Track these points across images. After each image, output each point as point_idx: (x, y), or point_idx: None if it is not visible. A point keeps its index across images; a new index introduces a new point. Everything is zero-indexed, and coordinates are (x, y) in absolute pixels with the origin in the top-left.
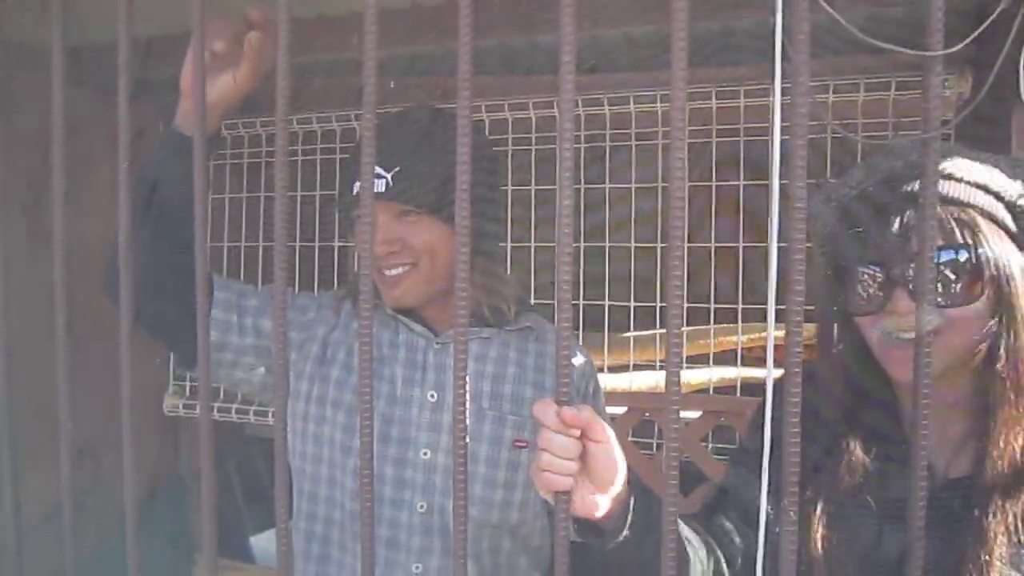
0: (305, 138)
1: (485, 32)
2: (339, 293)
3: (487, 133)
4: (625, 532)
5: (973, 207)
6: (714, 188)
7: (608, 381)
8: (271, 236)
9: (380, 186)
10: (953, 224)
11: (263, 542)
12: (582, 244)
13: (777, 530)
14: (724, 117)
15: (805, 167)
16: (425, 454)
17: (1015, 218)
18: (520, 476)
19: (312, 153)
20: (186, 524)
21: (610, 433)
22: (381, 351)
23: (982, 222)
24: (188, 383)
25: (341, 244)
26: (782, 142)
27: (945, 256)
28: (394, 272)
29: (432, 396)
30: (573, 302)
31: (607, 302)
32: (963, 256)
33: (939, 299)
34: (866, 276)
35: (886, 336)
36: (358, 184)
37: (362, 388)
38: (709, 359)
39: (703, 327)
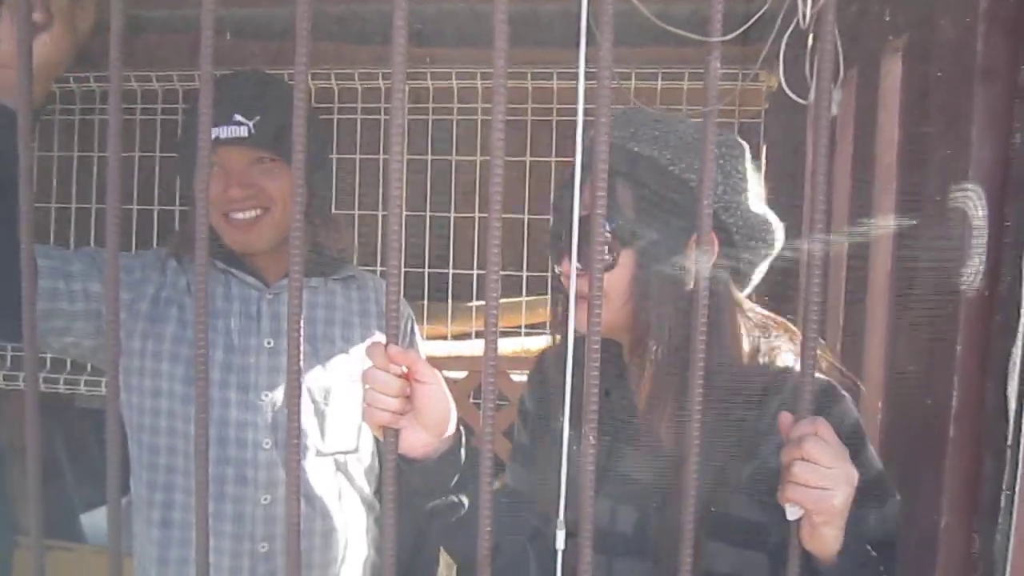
0: (145, 97)
1: None
2: (162, 252)
3: (313, 101)
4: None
5: (619, 179)
6: (527, 164)
7: (451, 348)
8: (104, 198)
9: (242, 131)
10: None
11: (94, 520)
12: (427, 213)
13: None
14: (539, 97)
15: (607, 147)
16: (266, 395)
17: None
18: (354, 407)
19: (152, 113)
20: (4, 503)
21: (436, 375)
22: (215, 304)
23: (624, 195)
24: (9, 353)
25: (182, 208)
26: (586, 123)
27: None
28: (246, 215)
29: (269, 343)
30: (416, 269)
31: (451, 270)
32: (612, 224)
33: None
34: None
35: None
36: (218, 129)
37: (198, 336)
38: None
39: (516, 299)
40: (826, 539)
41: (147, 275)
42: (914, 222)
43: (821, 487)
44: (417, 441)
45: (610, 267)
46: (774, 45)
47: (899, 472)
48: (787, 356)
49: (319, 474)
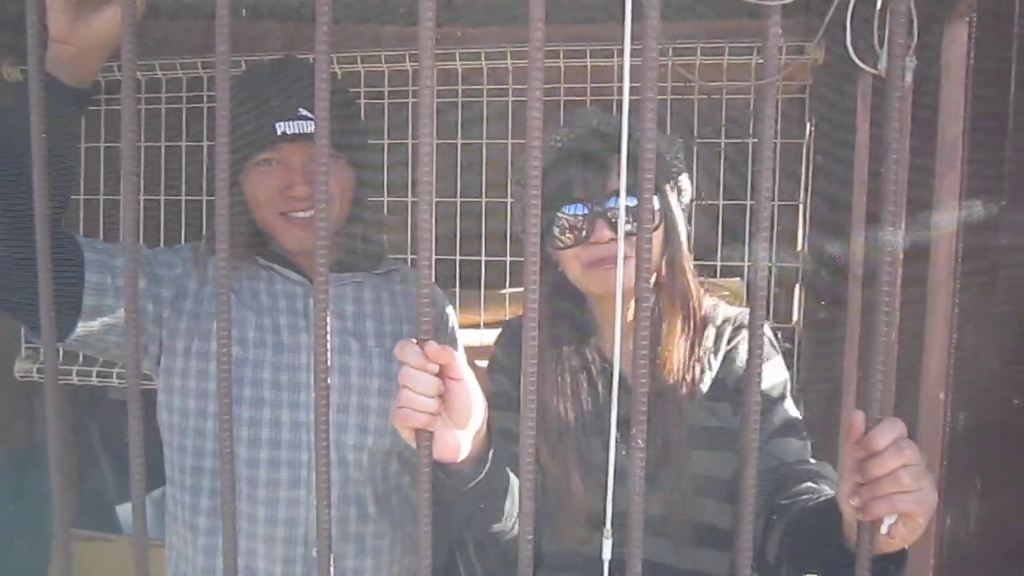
0: (169, 86)
1: None
2: (200, 247)
3: (362, 85)
4: (480, 478)
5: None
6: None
7: (485, 336)
8: (113, 189)
9: (309, 127)
10: (630, 175)
11: (129, 511)
12: (457, 200)
13: None
14: (572, 76)
15: (655, 124)
16: None
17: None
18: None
19: (177, 102)
20: (42, 495)
21: (468, 372)
22: (260, 302)
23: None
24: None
25: (190, 198)
26: (632, 102)
27: (630, 200)
28: (307, 214)
29: None
30: (447, 256)
31: (483, 257)
32: (635, 200)
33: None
34: (569, 216)
35: (594, 261)
36: (282, 124)
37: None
38: None
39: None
40: (916, 536)
41: (188, 271)
42: (991, 203)
43: (924, 487)
44: (451, 442)
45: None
46: (839, 10)
47: (974, 477)
48: (727, 308)
49: (370, 475)
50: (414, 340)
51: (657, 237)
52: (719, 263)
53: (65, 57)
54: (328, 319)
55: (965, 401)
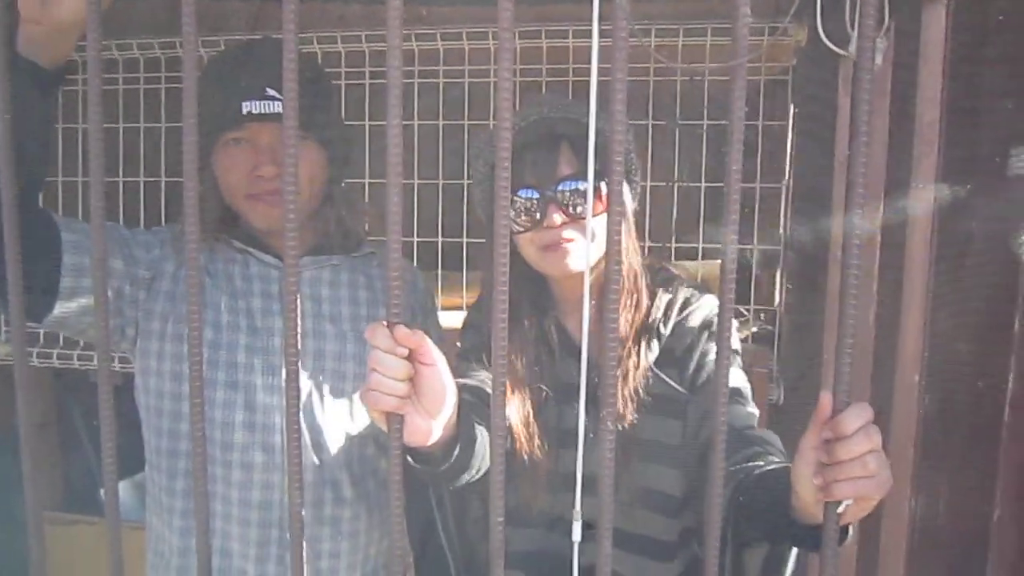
0: (147, 66)
1: None
2: (176, 229)
3: (342, 65)
4: (449, 463)
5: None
6: None
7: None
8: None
9: (276, 107)
10: (580, 159)
11: None
12: (440, 181)
13: None
14: (553, 57)
15: (625, 106)
16: None
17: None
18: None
19: (156, 82)
20: (16, 479)
21: (440, 357)
22: (234, 285)
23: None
24: (1, 329)
25: (169, 179)
26: (604, 82)
27: (579, 184)
28: (276, 196)
29: None
30: (430, 239)
31: (465, 239)
32: (584, 184)
33: (578, 213)
34: (523, 200)
35: (547, 245)
36: (248, 104)
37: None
38: None
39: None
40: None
41: (166, 252)
42: (964, 185)
43: (884, 473)
44: (422, 427)
45: (599, 213)
46: None
47: (943, 459)
48: (679, 284)
49: (346, 457)
50: (384, 323)
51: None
52: (700, 245)
53: (37, 37)
54: (299, 303)
55: (936, 383)
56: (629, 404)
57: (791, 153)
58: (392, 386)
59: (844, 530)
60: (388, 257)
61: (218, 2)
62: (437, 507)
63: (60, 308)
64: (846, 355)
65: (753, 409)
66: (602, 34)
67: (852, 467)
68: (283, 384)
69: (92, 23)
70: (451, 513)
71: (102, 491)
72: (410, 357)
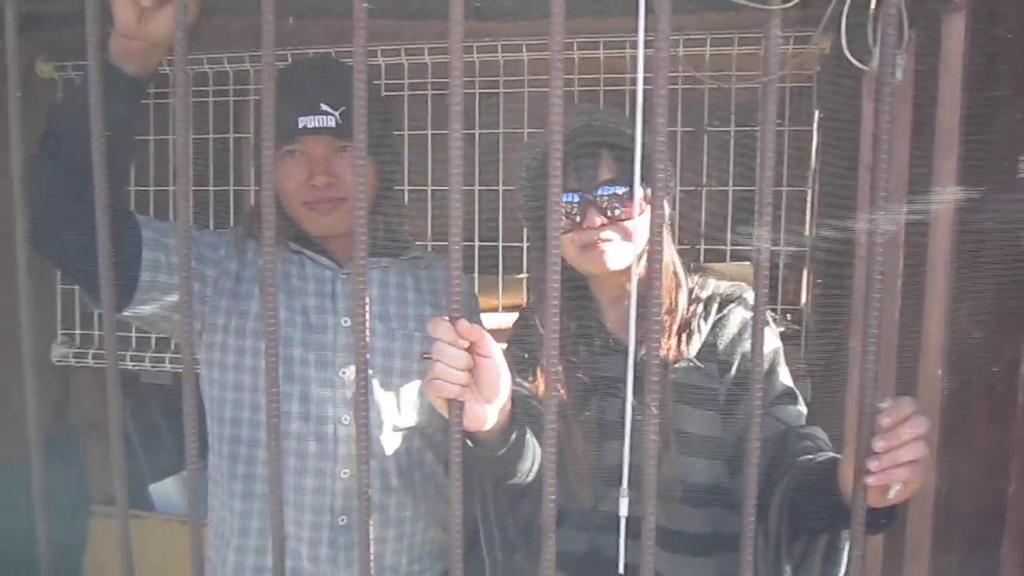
0: (216, 79)
1: None
2: (238, 231)
3: (384, 77)
4: (506, 447)
5: (630, 150)
6: None
7: (503, 320)
8: (162, 181)
9: (329, 122)
10: (618, 165)
11: (162, 489)
12: (476, 188)
13: None
14: (611, 67)
15: (666, 115)
16: (344, 372)
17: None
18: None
19: (225, 95)
20: (80, 476)
21: (497, 349)
22: (291, 284)
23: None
24: (78, 332)
25: (237, 188)
26: (647, 91)
27: (617, 188)
28: (327, 204)
29: (345, 322)
30: (467, 243)
31: (500, 244)
32: (622, 189)
33: (616, 215)
34: (565, 204)
35: (586, 244)
36: (304, 119)
37: (267, 315)
38: None
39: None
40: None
41: (230, 252)
42: (980, 188)
43: (927, 458)
44: (480, 414)
45: (631, 217)
46: (835, 9)
47: (962, 439)
48: (717, 283)
49: (394, 449)
50: (446, 317)
51: (644, 221)
52: (729, 247)
53: (131, 51)
54: (368, 305)
55: (955, 370)
56: (667, 398)
57: (816, 157)
58: (454, 375)
59: (893, 511)
60: (449, 257)
61: (302, 21)
62: (480, 509)
63: (138, 300)
64: (871, 351)
65: (803, 407)
66: (634, 45)
67: (904, 452)
68: (335, 378)
69: (179, 39)
70: (494, 515)
71: (152, 486)
72: (469, 349)
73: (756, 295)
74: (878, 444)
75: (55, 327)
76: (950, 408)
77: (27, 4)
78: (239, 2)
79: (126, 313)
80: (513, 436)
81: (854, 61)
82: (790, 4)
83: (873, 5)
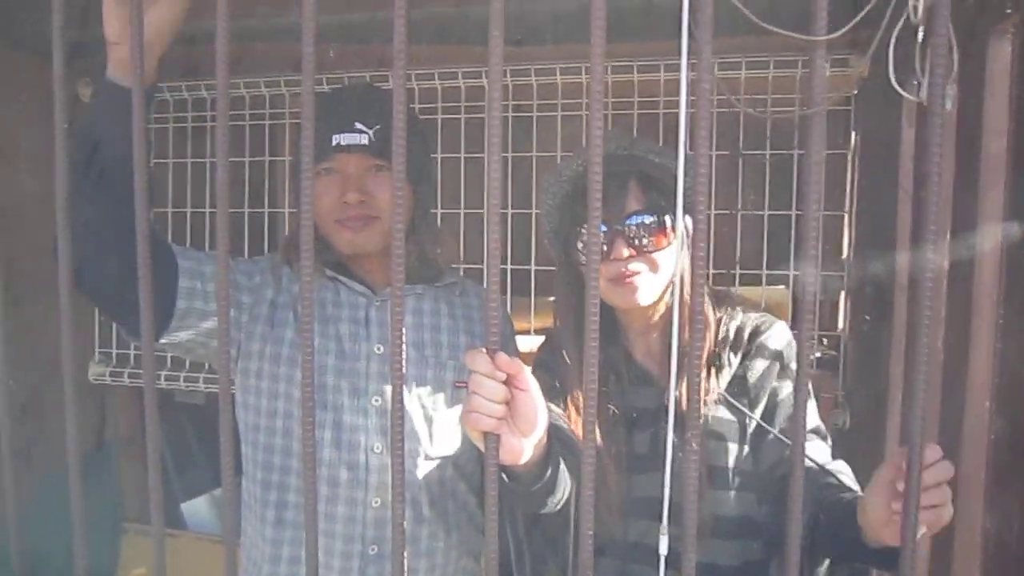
0: (252, 103)
1: (418, 2)
2: (275, 258)
3: (418, 101)
4: (542, 483)
5: (661, 180)
6: None
7: (535, 343)
8: (198, 202)
9: (363, 139)
10: (647, 195)
11: (193, 508)
12: (510, 211)
13: None
14: (645, 90)
15: (709, 138)
16: (376, 401)
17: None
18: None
19: (260, 118)
20: (113, 493)
21: (534, 383)
22: (325, 311)
23: (664, 192)
24: (114, 351)
25: (272, 211)
26: (688, 115)
27: (645, 219)
28: (359, 221)
29: (378, 349)
30: (474, 266)
31: (533, 267)
32: (650, 219)
33: (644, 246)
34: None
35: (615, 277)
36: (337, 136)
37: (304, 338)
38: None
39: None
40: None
41: (265, 279)
42: None
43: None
44: (516, 447)
45: (661, 248)
46: (883, 39)
47: (1014, 480)
48: (749, 315)
49: (426, 479)
50: (484, 349)
51: (672, 251)
52: (764, 272)
53: (121, 56)
54: (404, 332)
55: (1005, 408)
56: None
57: (853, 181)
58: (491, 408)
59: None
60: (488, 288)
61: (344, 45)
62: (511, 535)
63: (174, 328)
64: (920, 389)
65: (827, 444)
66: (668, 68)
67: (930, 495)
68: (368, 406)
69: (221, 60)
70: (526, 542)
71: (183, 505)
72: (507, 382)
73: (800, 335)
74: (901, 486)
75: (92, 346)
76: (1000, 445)
77: (72, 31)
78: (279, 31)
79: (162, 341)
80: (548, 472)
81: (903, 93)
82: (837, 34)
83: (921, 34)
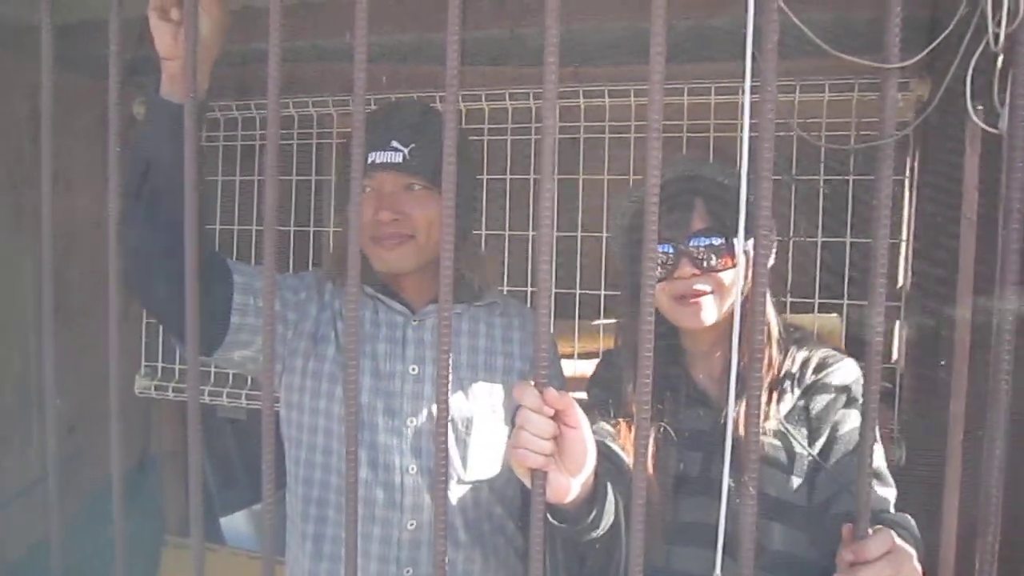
0: (300, 122)
1: (470, 24)
2: (318, 274)
3: (464, 122)
4: (587, 522)
5: (725, 202)
6: None
7: (578, 367)
8: (245, 220)
9: (397, 157)
10: (712, 215)
11: (233, 523)
12: (554, 233)
13: None
14: (695, 113)
15: (772, 162)
16: (411, 422)
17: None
18: (496, 436)
19: (308, 138)
20: (155, 506)
21: (583, 418)
22: (363, 329)
23: (731, 213)
24: (160, 364)
25: (317, 229)
26: (750, 138)
27: (712, 240)
28: (392, 240)
29: (414, 369)
30: (519, 289)
31: (578, 291)
32: (717, 240)
33: (709, 266)
34: (658, 254)
35: (679, 296)
36: (374, 154)
37: (348, 358)
38: None
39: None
40: None
41: (310, 295)
42: None
43: None
44: (563, 485)
45: (727, 269)
46: (959, 69)
47: None
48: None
49: (462, 503)
50: (532, 382)
51: (736, 273)
52: (817, 300)
53: (174, 71)
54: (450, 357)
55: None
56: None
57: (910, 209)
58: (538, 444)
59: None
60: (537, 323)
61: (393, 65)
62: (550, 561)
63: (228, 344)
64: (998, 438)
65: (889, 491)
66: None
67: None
68: (402, 426)
69: (273, 80)
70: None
71: (222, 519)
72: (555, 417)
73: (867, 382)
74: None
75: (139, 359)
76: None
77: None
78: (328, 51)
79: (215, 355)
80: (594, 512)
81: (983, 126)
82: (910, 62)
83: (1000, 64)
